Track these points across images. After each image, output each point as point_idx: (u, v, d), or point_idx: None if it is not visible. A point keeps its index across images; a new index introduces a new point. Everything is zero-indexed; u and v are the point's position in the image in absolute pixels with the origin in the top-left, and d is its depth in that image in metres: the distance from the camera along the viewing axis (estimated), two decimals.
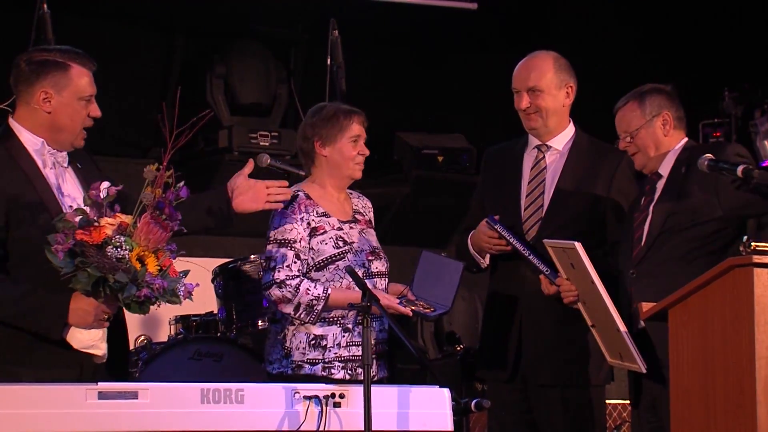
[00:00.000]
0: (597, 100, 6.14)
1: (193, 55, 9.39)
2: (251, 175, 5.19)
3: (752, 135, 9.74)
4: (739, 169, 5.08)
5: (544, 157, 5.71)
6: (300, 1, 9.10)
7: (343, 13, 7.33)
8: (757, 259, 4.52)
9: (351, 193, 5.71)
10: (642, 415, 5.34)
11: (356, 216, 5.63)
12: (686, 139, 5.44)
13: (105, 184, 4.74)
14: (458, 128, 9.76)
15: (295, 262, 5.43)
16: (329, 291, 5.41)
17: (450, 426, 4.95)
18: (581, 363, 5.56)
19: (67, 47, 5.03)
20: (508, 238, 5.49)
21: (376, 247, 5.60)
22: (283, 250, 5.44)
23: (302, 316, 5.40)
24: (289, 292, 5.39)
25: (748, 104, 9.76)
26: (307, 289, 5.40)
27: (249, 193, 5.11)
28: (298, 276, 5.42)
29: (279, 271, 5.42)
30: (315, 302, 5.38)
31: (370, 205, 5.75)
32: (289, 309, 5.40)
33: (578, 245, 5.24)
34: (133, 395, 4.51)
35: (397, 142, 9.63)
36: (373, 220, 5.71)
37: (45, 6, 6.72)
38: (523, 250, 5.48)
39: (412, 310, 5.42)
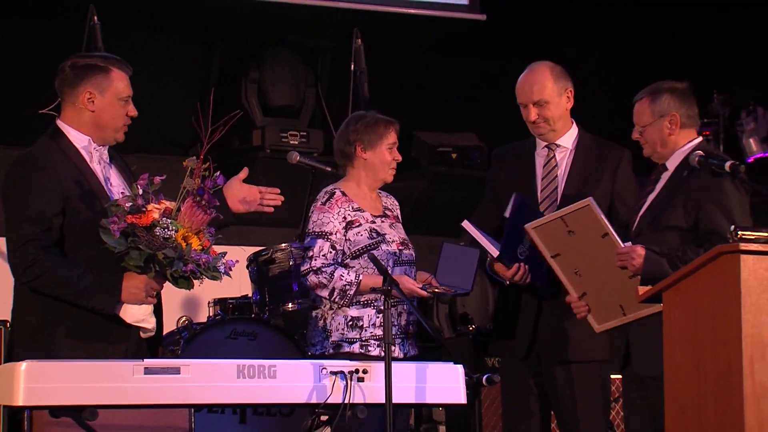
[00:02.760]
0: (598, 100, 6.13)
1: (230, 61, 9.40)
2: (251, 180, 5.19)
3: (738, 133, 9.74)
4: (728, 164, 5.07)
5: (554, 155, 5.71)
6: (327, 12, 9.09)
7: (366, 24, 7.34)
8: (743, 246, 4.51)
9: (380, 193, 5.79)
10: (633, 385, 5.32)
11: (386, 212, 5.72)
12: (699, 138, 5.38)
13: (145, 175, 4.79)
14: (470, 128, 9.75)
15: (330, 252, 5.51)
16: (361, 277, 5.49)
17: (463, 399, 4.96)
18: (592, 340, 5.55)
19: (107, 54, 5.06)
20: (480, 241, 5.48)
21: (405, 239, 5.69)
22: (320, 241, 5.51)
23: (336, 299, 5.48)
24: (325, 278, 5.46)
25: (735, 105, 9.75)
26: (341, 275, 5.46)
27: (242, 196, 5.12)
28: (332, 264, 5.49)
29: (316, 260, 5.50)
30: (348, 287, 5.44)
31: (397, 203, 5.84)
32: (324, 293, 5.48)
33: (591, 201, 5.19)
34: (176, 371, 4.52)
35: (416, 140, 9.62)
36: (399, 215, 5.77)
37: (95, 18, 6.73)
38: (495, 250, 5.47)
39: (433, 292, 5.47)
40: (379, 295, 5.47)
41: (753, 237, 4.56)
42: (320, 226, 5.54)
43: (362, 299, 5.51)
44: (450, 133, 9.70)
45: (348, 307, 5.49)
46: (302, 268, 5.58)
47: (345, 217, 5.55)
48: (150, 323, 4.88)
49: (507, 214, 5.46)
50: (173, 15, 9.02)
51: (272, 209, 5.20)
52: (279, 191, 5.20)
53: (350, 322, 5.51)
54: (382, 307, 5.50)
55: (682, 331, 4.65)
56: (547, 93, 5.63)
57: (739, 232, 4.57)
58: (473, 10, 9.37)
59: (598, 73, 8.61)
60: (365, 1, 9.12)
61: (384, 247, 5.55)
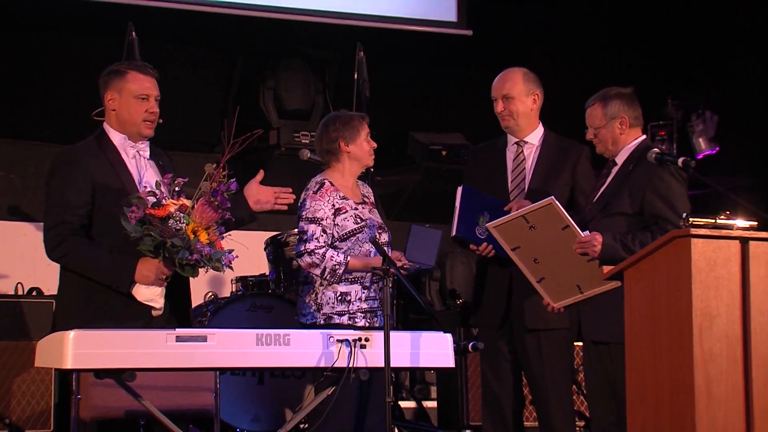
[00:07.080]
0: (567, 104, 6.13)
1: (250, 71, 9.40)
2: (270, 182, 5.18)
3: (689, 133, 9.73)
4: (680, 160, 5.07)
5: (522, 151, 5.71)
6: (333, 28, 9.10)
7: (367, 38, 7.32)
8: (694, 231, 4.51)
9: (358, 182, 5.73)
10: (587, 350, 5.31)
11: (365, 199, 5.66)
12: (644, 136, 5.38)
13: (169, 175, 4.79)
14: (458, 129, 9.75)
15: (322, 236, 5.45)
16: (349, 258, 5.44)
17: (452, 363, 4.96)
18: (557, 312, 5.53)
19: (134, 61, 5.05)
20: (455, 213, 5.47)
21: (381, 223, 5.63)
22: (313, 226, 5.46)
23: (327, 277, 5.43)
24: (317, 259, 5.42)
25: (687, 109, 9.75)
26: (332, 256, 5.42)
27: (259, 197, 5.10)
28: (324, 246, 5.44)
29: (309, 243, 5.44)
30: (337, 267, 5.41)
31: (371, 191, 5.79)
32: (317, 272, 5.43)
33: (553, 199, 5.12)
34: (203, 339, 4.52)
35: (410, 139, 9.62)
36: (374, 202, 5.74)
37: (133, 33, 6.71)
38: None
39: (402, 268, 5.43)
40: (365, 274, 5.48)
41: (702, 223, 4.57)
42: (313, 212, 5.49)
43: (350, 277, 5.49)
44: (441, 133, 9.70)
45: (337, 284, 5.47)
46: (297, 250, 5.55)
47: (333, 205, 5.50)
48: (159, 303, 4.84)
49: (456, 204, 5.44)
50: (201, 31, 9.02)
51: (286, 207, 5.19)
52: (291, 190, 5.19)
53: (339, 297, 5.46)
54: (367, 284, 5.51)
55: (641, 305, 4.65)
56: (515, 90, 5.64)
57: (690, 219, 4.57)
58: (461, 27, 9.41)
59: (566, 80, 8.61)
60: (367, 19, 9.13)
61: (367, 231, 5.53)
